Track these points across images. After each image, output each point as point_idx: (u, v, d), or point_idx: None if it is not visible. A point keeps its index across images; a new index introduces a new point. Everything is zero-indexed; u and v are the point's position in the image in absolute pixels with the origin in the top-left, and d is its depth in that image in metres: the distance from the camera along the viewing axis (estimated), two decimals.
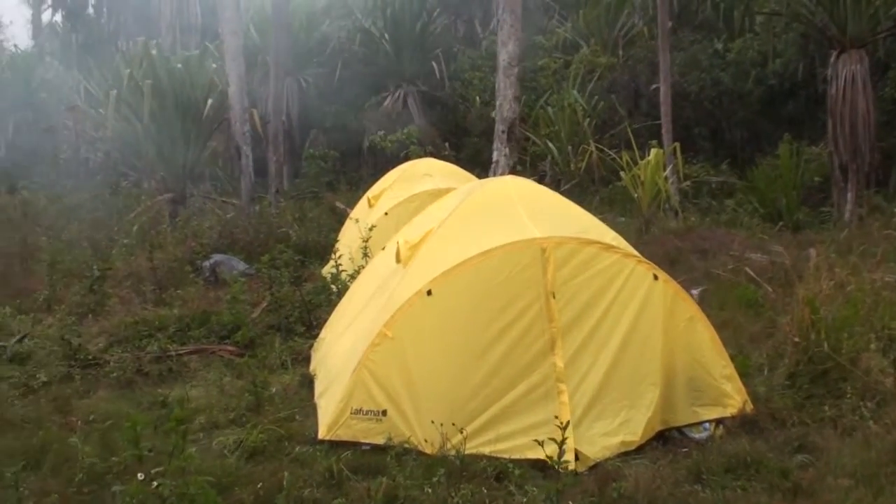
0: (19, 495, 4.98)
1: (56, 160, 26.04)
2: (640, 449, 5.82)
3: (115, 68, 21.11)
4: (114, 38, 39.60)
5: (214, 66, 18.71)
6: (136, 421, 3.97)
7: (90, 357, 8.20)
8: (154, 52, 18.25)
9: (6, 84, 40.30)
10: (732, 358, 6.55)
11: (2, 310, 10.04)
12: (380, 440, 5.85)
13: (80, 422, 6.68)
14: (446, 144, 22.46)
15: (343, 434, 5.97)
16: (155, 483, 3.88)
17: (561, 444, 4.85)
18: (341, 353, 6.78)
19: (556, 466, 4.95)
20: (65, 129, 27.68)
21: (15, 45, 47.21)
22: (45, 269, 11.91)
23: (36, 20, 56.16)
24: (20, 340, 8.93)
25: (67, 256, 12.51)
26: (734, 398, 6.20)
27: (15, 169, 30.80)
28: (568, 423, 5.14)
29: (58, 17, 54.50)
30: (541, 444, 5.10)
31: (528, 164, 19.37)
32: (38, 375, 7.83)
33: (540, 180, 13.31)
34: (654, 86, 18.11)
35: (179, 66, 18.07)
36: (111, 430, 6.08)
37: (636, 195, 14.16)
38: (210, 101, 17.80)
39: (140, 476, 3.97)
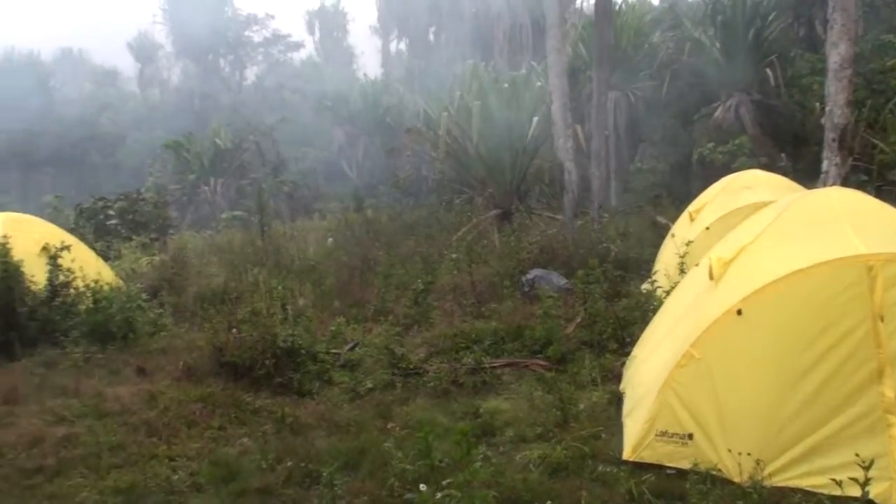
0: (334, 494, 5.30)
1: (397, 180, 27.78)
2: None
3: (448, 91, 22.21)
4: (451, 62, 41.63)
5: (539, 84, 19.09)
6: (429, 431, 4.07)
7: (411, 366, 8.60)
8: (483, 73, 18.95)
9: (358, 111, 43.82)
10: None
11: (339, 319, 10.77)
12: (685, 465, 5.59)
13: (397, 427, 7.02)
14: (782, 155, 21.35)
15: (647, 456, 5.80)
16: (440, 494, 3.97)
17: (864, 483, 4.40)
18: (649, 371, 6.59)
19: None
20: (406, 150, 29.45)
21: (364, 74, 51.17)
22: (380, 281, 12.72)
23: (385, 50, 60.59)
24: (352, 348, 9.57)
25: (400, 270, 13.26)
26: None
27: (363, 189, 33.34)
28: (872, 461, 4.60)
29: (402, 46, 58.52)
30: (865, 481, 4.61)
31: (875, 174, 17.88)
32: (364, 382, 8.39)
33: (878, 193, 12.25)
34: None
35: (506, 86, 18.63)
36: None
37: None
38: (535, 119, 18.18)
39: (423, 487, 4.07)
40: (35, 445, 6.67)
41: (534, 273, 12.25)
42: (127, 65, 68.68)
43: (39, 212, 22.73)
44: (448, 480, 4.12)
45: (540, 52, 27.12)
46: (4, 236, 10.26)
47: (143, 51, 66.08)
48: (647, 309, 9.28)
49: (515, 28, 34.82)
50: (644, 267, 12.41)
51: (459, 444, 4.02)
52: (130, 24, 68.34)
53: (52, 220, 16.89)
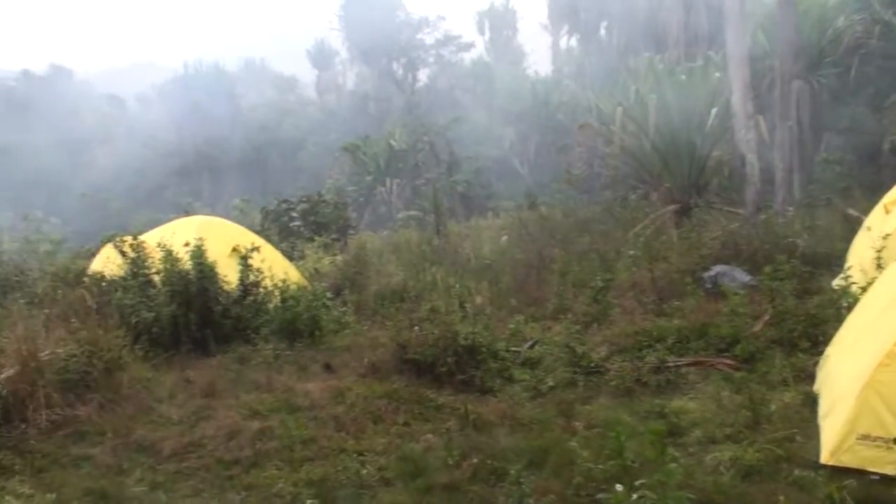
0: (521, 492, 5.30)
1: (570, 177, 27.58)
2: None
3: (622, 85, 21.88)
4: (623, 56, 41.02)
5: (718, 75, 18.54)
6: (621, 431, 4.01)
7: (592, 364, 8.49)
8: (659, 66, 18.57)
9: (528, 109, 43.87)
10: None
11: (518, 317, 10.78)
12: (890, 470, 5.29)
13: (580, 426, 6.95)
14: None
15: (847, 460, 5.51)
16: (635, 495, 3.90)
17: None
18: (847, 371, 6.26)
19: None
20: (578, 147, 29.25)
21: (535, 72, 51.17)
22: (556, 279, 12.65)
23: (555, 47, 60.33)
24: (532, 346, 9.55)
25: (576, 267, 13.14)
26: None
27: (536, 186, 33.32)
28: None
29: (573, 42, 58.12)
30: None
31: None
32: (545, 380, 8.36)
33: None
34: None
35: (683, 77, 18.18)
36: (609, 437, 6.20)
37: None
38: (714, 111, 17.64)
39: (619, 487, 4.00)
40: (232, 438, 7.00)
41: (716, 269, 11.86)
42: (305, 72, 71.33)
43: (227, 214, 23.95)
44: (640, 481, 4.05)
45: (717, 43, 26.34)
46: (199, 239, 10.79)
47: (320, 58, 68.44)
48: (840, 306, 8.84)
49: (691, 18, 33.93)
50: (835, 262, 11.80)
51: (654, 445, 3.94)
52: (309, 33, 70.74)
53: (239, 222, 17.70)
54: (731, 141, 17.05)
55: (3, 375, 7.10)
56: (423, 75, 59.42)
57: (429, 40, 59.65)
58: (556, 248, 15.20)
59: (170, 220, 14.86)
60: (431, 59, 60.04)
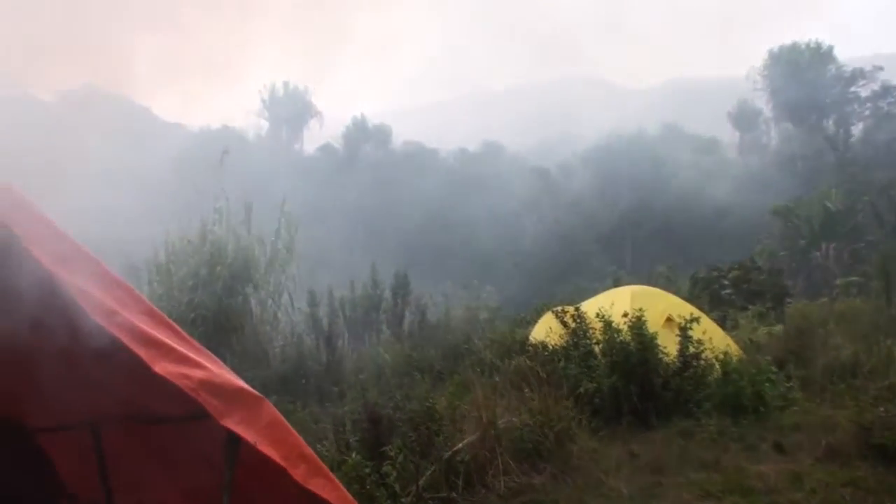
0: None
1: None
2: None
3: None
4: None
5: None
6: None
7: None
8: None
9: None
10: None
11: None
12: None
13: None
14: None
15: None
16: None
17: None
18: None
19: None
20: None
21: None
22: None
23: None
24: None
25: None
26: None
27: None
28: None
29: None
30: None
31: None
32: None
33: None
34: None
35: None
36: None
37: None
38: None
39: None
40: None
41: None
42: (724, 133, 70.23)
43: (651, 282, 23.85)
44: None
45: None
46: (638, 309, 10.74)
47: (742, 118, 67.10)
48: None
49: None
50: None
51: None
52: (729, 94, 69.73)
53: (665, 289, 17.49)
54: None
55: (466, 441, 7.49)
56: (856, 130, 55.71)
57: (864, 93, 55.96)
58: None
59: (595, 288, 15.04)
60: (867, 112, 56.18)
